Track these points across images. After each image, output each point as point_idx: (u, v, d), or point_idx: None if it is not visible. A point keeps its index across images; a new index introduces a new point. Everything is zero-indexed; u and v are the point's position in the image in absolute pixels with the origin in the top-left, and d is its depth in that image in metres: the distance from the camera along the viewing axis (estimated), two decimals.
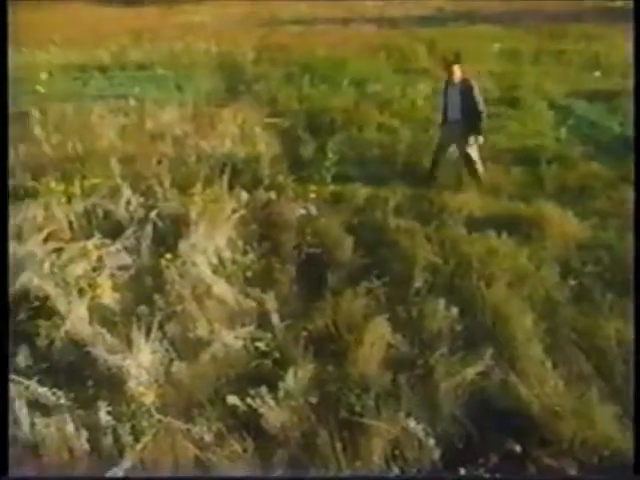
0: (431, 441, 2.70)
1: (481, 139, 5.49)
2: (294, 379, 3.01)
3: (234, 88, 9.16)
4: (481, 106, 5.37)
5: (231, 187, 5.08)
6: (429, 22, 15.58)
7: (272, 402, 2.87)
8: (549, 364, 3.13)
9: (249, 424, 2.84)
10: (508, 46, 11.74)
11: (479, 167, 5.55)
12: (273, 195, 5.16)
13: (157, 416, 2.84)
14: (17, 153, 6.09)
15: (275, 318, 3.56)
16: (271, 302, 3.67)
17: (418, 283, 3.86)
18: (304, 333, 3.38)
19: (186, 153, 6.06)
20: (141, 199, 4.99)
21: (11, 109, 8.30)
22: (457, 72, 5.49)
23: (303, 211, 4.90)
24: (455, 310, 3.57)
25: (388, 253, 4.27)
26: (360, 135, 6.81)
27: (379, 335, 3.36)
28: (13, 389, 2.89)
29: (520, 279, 3.87)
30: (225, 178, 5.11)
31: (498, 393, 2.99)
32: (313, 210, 4.93)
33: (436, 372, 3.05)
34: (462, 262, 4.07)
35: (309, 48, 11.46)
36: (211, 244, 4.31)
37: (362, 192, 5.29)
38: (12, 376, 2.94)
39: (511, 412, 2.86)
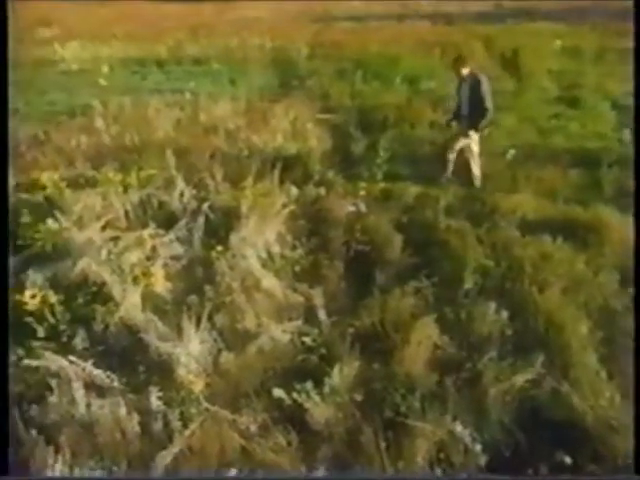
0: (478, 447, 2.65)
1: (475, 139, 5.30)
2: (339, 375, 3.01)
3: (287, 83, 9.24)
4: (487, 102, 5.23)
5: (281, 182, 5.13)
6: (486, 18, 15.22)
7: (317, 397, 2.88)
8: (604, 375, 3.01)
9: (294, 418, 2.86)
10: (569, 44, 11.34)
11: (474, 167, 5.41)
12: (323, 191, 5.17)
13: (205, 404, 2.90)
14: (79, 143, 6.36)
15: (322, 314, 3.58)
16: (318, 298, 3.68)
17: (468, 285, 3.79)
18: (350, 330, 3.37)
19: (238, 147, 6.16)
20: (194, 191, 5.09)
21: (76, 100, 8.69)
22: (461, 68, 5.40)
23: (352, 208, 4.89)
24: (505, 314, 3.49)
25: (438, 253, 4.21)
26: (412, 132, 6.74)
27: (426, 335, 3.32)
28: (71, 370, 3.00)
29: (576, 285, 3.74)
30: (276, 173, 5.15)
31: (549, 402, 2.90)
32: (362, 207, 4.92)
33: (484, 377, 2.99)
34: (514, 265, 3.97)
35: (362, 44, 11.41)
36: (261, 238, 4.36)
37: (412, 190, 5.23)
38: (70, 357, 3.05)
39: (563, 423, 2.77)
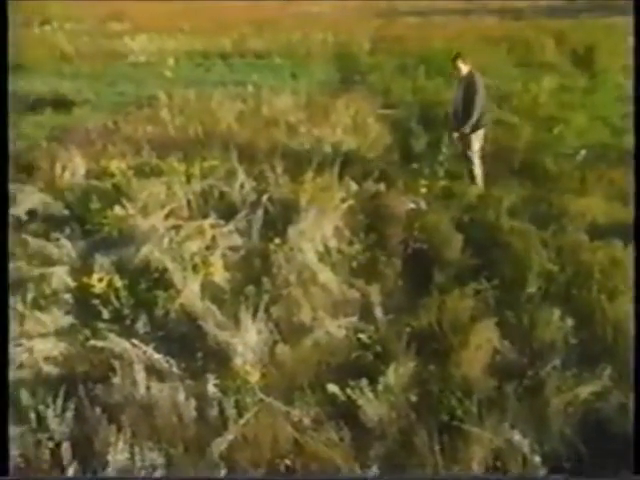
0: (537, 458, 2.55)
1: (475, 138, 5.11)
2: (394, 375, 2.97)
3: (348, 78, 9.20)
4: (475, 103, 5.00)
5: (341, 177, 5.11)
6: (559, 13, 14.63)
7: (371, 395, 2.86)
8: None
9: (347, 414, 2.84)
10: None
11: (476, 169, 5.19)
12: (382, 187, 5.12)
13: (260, 395, 2.92)
14: (145, 133, 6.56)
15: (378, 311, 3.54)
16: (375, 295, 3.65)
17: (531, 289, 3.66)
18: (407, 329, 3.32)
19: (298, 141, 6.19)
20: (254, 183, 5.16)
21: (143, 92, 8.98)
22: (461, 66, 5.23)
23: (412, 205, 4.82)
24: (571, 322, 3.34)
25: (499, 255, 4.08)
26: None
27: (485, 339, 3.22)
28: (133, 353, 3.10)
29: None
30: (335, 167, 5.15)
31: (615, 417, 2.76)
32: (423, 205, 4.84)
33: (546, 386, 2.87)
34: (581, 271, 3.80)
35: (426, 40, 11.22)
36: (318, 232, 4.36)
37: (474, 189, 5.09)
38: (133, 340, 3.16)
39: (629, 439, 2.62)
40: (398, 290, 3.85)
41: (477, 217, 4.68)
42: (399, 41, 11.66)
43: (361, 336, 3.37)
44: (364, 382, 2.91)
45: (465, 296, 3.56)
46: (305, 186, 4.83)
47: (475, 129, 5.21)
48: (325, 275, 3.91)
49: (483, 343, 3.17)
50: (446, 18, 14.82)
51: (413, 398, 2.91)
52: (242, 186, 5.09)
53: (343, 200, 4.72)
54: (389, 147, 6.10)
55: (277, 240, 4.16)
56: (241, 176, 5.16)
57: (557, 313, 3.37)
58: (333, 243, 4.33)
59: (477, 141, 5.27)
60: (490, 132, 6.50)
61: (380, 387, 2.91)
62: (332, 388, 2.95)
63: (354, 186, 5.09)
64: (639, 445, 2.53)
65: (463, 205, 4.89)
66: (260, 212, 4.55)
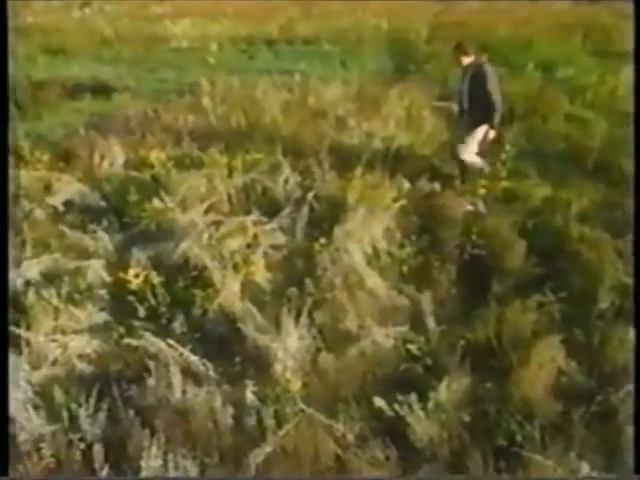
0: None
1: (492, 134, 4.91)
2: (447, 391, 2.94)
3: (403, 67, 9.14)
4: (495, 96, 4.77)
5: (392, 174, 5.09)
6: None
7: (421, 412, 2.83)
8: None
9: (394, 431, 2.83)
10: None
11: (473, 171, 5.04)
12: (437, 186, 5.06)
13: (301, 405, 2.93)
14: (186, 122, 6.69)
15: (430, 321, 3.51)
16: (427, 303, 3.61)
17: (603, 304, 3.54)
18: (461, 342, 3.27)
19: (347, 134, 6.18)
20: (299, 179, 5.20)
21: (185, 78, 9.13)
22: (462, 56, 5.11)
23: (470, 207, 4.74)
24: None
25: (567, 265, 3.97)
26: (544, 126, 6.41)
27: (549, 357, 3.15)
28: (169, 354, 3.17)
29: None
30: (387, 164, 5.13)
31: None
32: (482, 207, 4.75)
33: (619, 413, 2.78)
34: None
35: (489, 26, 11.01)
36: (367, 233, 4.35)
37: (540, 191, 4.97)
38: (169, 340, 3.22)
39: None
40: (452, 299, 3.80)
41: (543, 222, 4.56)
42: (459, 27, 11.47)
43: (410, 347, 3.35)
44: (413, 397, 2.89)
45: (527, 309, 3.48)
46: (354, 183, 4.83)
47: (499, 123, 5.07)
48: (373, 279, 3.90)
49: (546, 362, 3.09)
50: (512, 2, 14.51)
51: (467, 418, 2.87)
52: (286, 181, 5.13)
53: (394, 199, 4.70)
54: (446, 143, 6.02)
55: (322, 240, 4.17)
56: (286, 171, 5.20)
57: (632, 332, 3.25)
58: (382, 245, 4.30)
59: (479, 135, 5.16)
60: (561, 128, 6.35)
61: (431, 404, 2.88)
62: (378, 402, 2.94)
63: (406, 184, 5.06)
64: (639, 445, 2.55)
65: (527, 208, 4.78)
66: (305, 210, 4.58)
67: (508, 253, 4.11)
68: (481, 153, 5.26)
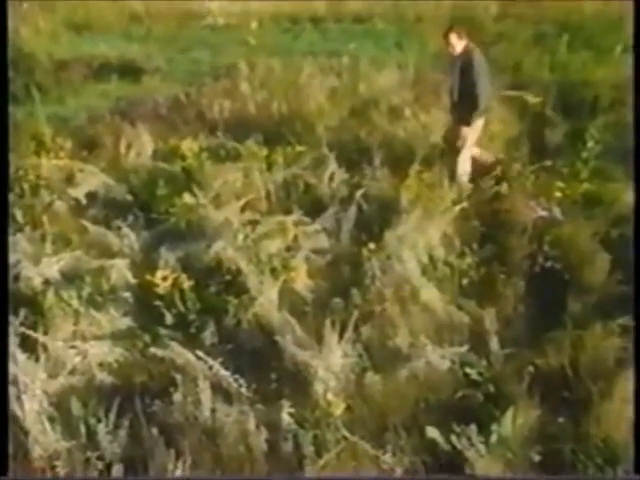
0: None
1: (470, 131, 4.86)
2: (512, 424, 2.91)
3: None
4: (479, 88, 4.63)
5: (453, 172, 5.05)
6: None
7: (482, 447, 2.80)
8: None
9: (450, 467, 2.81)
10: None
11: (462, 162, 4.95)
12: (505, 188, 4.98)
13: (343, 432, 2.94)
14: (222, 109, 6.79)
15: (494, 342, 3.48)
16: (490, 321, 3.58)
17: None
18: (530, 368, 3.24)
19: (402, 126, 6.15)
20: (346, 175, 5.21)
21: (221, 60, 9.26)
22: (454, 42, 4.95)
23: (543, 212, 4.65)
24: None
25: None
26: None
27: (635, 390, 3.06)
28: (197, 367, 3.22)
29: None
30: (447, 160, 5.09)
31: None
32: (557, 213, 4.66)
33: None
34: None
35: (572, 2, 10.77)
36: (422, 239, 4.34)
37: (628, 196, 4.83)
38: (198, 352, 3.27)
39: None
40: (520, 318, 3.76)
41: (630, 233, 4.45)
42: (535, 3, 11.28)
43: (470, 371, 3.33)
44: (472, 429, 2.86)
45: (609, 333, 3.40)
46: (408, 182, 4.82)
47: (477, 118, 5.02)
48: (428, 292, 3.88)
49: (632, 396, 3.01)
50: None
51: (536, 457, 2.83)
52: (332, 178, 5.16)
53: (455, 202, 4.67)
54: (516, 138, 5.92)
55: (371, 245, 4.18)
56: (331, 166, 5.22)
57: None
58: (440, 253, 4.28)
59: (474, 132, 5.07)
60: None
61: (493, 438, 2.85)
62: (432, 433, 2.93)
63: (469, 185, 5.02)
64: (639, 445, 2.63)
65: (612, 216, 4.64)
66: (352, 210, 4.60)
67: (588, 267, 4.04)
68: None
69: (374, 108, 6.63)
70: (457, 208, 4.59)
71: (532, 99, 6.58)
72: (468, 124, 5.04)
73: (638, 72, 4.05)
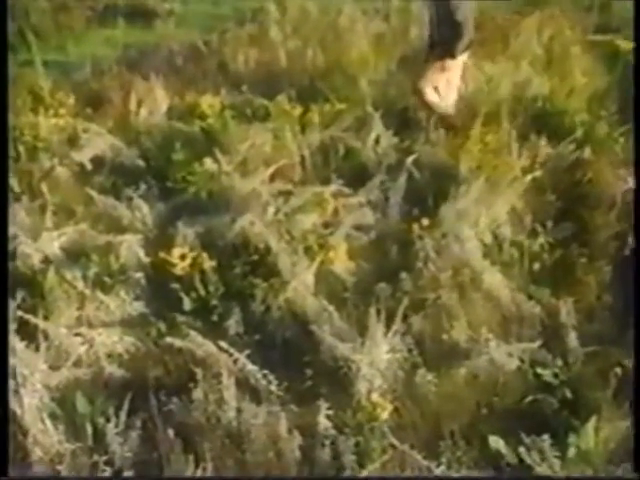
0: None
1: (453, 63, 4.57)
2: (595, 436, 2.88)
3: None
4: (459, 14, 4.41)
5: (524, 134, 4.99)
6: None
7: (556, 462, 2.79)
8: None
9: None
10: None
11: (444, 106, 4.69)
12: (588, 153, 4.90)
13: (390, 439, 2.96)
14: (247, 59, 6.78)
15: (572, 338, 3.44)
16: (567, 313, 3.55)
17: None
18: (616, 370, 3.18)
19: (463, 79, 6.06)
20: (395, 139, 5.16)
21: (246, 1, 9.23)
22: None
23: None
24: None
25: None
26: None
27: None
28: (221, 360, 3.26)
29: None
30: (516, 120, 5.03)
31: None
32: None
33: None
34: None
35: None
36: (485, 215, 4.29)
37: None
38: (221, 343, 3.31)
39: None
40: (604, 309, 3.72)
41: None
42: None
43: (542, 372, 3.31)
44: (545, 441, 2.85)
45: None
46: (469, 146, 4.78)
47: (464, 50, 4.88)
48: (492, 277, 3.85)
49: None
50: None
51: (628, 475, 2.80)
52: (378, 141, 5.11)
53: (525, 170, 4.60)
54: (603, 93, 5.79)
55: (425, 221, 4.15)
56: (377, 127, 5.16)
57: None
58: (507, 232, 4.23)
59: (457, 70, 4.93)
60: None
61: (570, 452, 2.83)
62: (495, 443, 2.93)
63: (544, 149, 4.92)
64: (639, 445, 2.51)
65: None
66: (402, 180, 4.56)
67: None
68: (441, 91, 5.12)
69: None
70: (528, 178, 4.51)
71: (624, 45, 6.41)
72: (453, 56, 4.97)
73: (638, 74, 4.09)
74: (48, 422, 3.10)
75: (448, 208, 4.29)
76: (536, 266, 4.01)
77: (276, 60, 6.79)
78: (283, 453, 2.97)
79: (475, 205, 4.32)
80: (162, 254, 3.94)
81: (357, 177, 4.76)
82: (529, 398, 3.20)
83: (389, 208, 4.48)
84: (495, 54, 6.47)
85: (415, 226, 4.14)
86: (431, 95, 5.05)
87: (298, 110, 5.37)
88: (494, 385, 3.28)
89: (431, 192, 4.54)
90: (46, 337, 3.45)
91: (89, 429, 3.10)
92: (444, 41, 5.02)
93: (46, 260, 4.03)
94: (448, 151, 4.91)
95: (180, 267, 3.83)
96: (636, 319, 3.36)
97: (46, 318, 3.57)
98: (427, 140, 5.11)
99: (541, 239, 4.15)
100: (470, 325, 3.57)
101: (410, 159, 4.71)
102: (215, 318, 3.71)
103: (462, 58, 5.05)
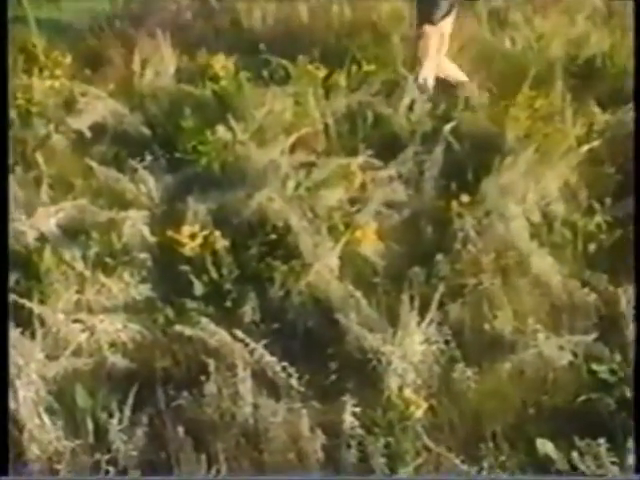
0: None
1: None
2: None
3: None
4: None
5: (579, 98, 4.98)
6: None
7: (614, 469, 2.78)
8: None
9: None
10: None
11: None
12: None
13: (425, 440, 2.97)
14: (265, 13, 6.73)
15: (631, 331, 3.42)
16: (627, 302, 3.53)
17: None
18: None
19: (509, 36, 6.02)
20: (430, 103, 5.16)
21: None
22: None
23: None
24: None
25: None
26: None
27: None
28: (235, 350, 3.28)
29: None
30: (570, 82, 5.06)
31: None
32: None
33: None
34: None
35: None
36: (534, 190, 4.30)
37: None
38: (235, 332, 3.32)
39: None
40: None
41: None
42: None
43: (597, 368, 3.30)
44: (601, 445, 2.83)
45: None
46: (515, 112, 4.76)
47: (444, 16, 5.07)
48: (541, 261, 3.85)
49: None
50: None
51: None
52: (411, 108, 5.11)
53: (580, 139, 4.60)
54: None
55: (464, 197, 4.17)
56: (411, 90, 5.16)
57: None
58: (558, 210, 4.25)
59: (438, 36, 4.95)
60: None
61: (629, 459, 2.82)
62: (544, 447, 2.93)
63: (601, 116, 4.92)
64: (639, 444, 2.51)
65: None
66: (439, 150, 4.56)
67: None
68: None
69: (469, 11, 6.49)
70: (584, 148, 4.52)
71: None
72: (431, 22, 4.99)
73: (638, 74, 4.13)
74: (45, 417, 3.13)
75: (491, 182, 4.29)
76: (591, 248, 4.00)
77: (297, 16, 6.75)
78: (304, 454, 2.98)
79: (522, 179, 4.32)
80: (170, 232, 3.97)
81: (388, 147, 4.76)
82: (582, 397, 3.18)
83: (424, 182, 4.48)
84: (546, 8, 6.42)
85: (453, 203, 4.15)
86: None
87: (322, 72, 5.34)
88: (543, 382, 3.28)
89: (472, 165, 4.53)
90: (42, 323, 3.49)
91: (90, 425, 3.14)
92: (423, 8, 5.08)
93: (42, 238, 4.06)
94: (491, 118, 4.91)
95: (190, 247, 3.85)
96: (636, 319, 3.38)
97: (42, 302, 3.60)
98: (467, 106, 5.11)
99: (598, 218, 4.13)
100: (515, 314, 3.57)
101: (448, 127, 4.71)
102: (229, 304, 3.72)
103: (445, 24, 5.09)
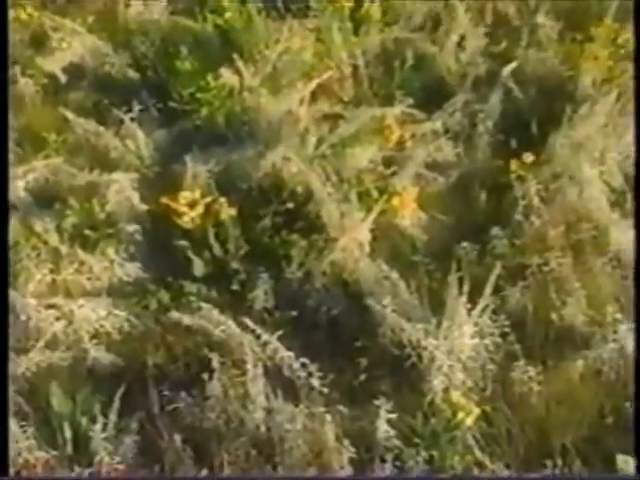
0: None
1: None
2: None
3: None
4: None
5: None
6: None
7: None
8: None
9: None
10: None
11: None
12: None
13: (476, 453, 2.99)
14: None
15: None
16: None
17: None
18: None
19: None
20: (484, 40, 5.12)
21: None
22: None
23: None
24: None
25: None
26: None
27: None
28: (244, 343, 3.28)
29: None
30: None
31: None
32: None
33: None
34: None
35: None
36: (615, 148, 4.28)
37: None
38: (244, 320, 3.33)
39: None
40: None
41: None
42: None
43: None
44: None
45: None
46: (592, 51, 4.72)
47: None
48: (623, 236, 3.84)
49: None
50: None
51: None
52: (460, 45, 5.09)
53: None
54: None
55: (527, 157, 4.17)
56: (462, 24, 5.12)
57: None
58: None
59: None
60: None
61: None
62: (625, 462, 2.93)
63: None
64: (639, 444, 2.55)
65: None
66: (495, 98, 4.56)
67: None
68: None
69: None
70: None
71: None
72: None
73: (638, 74, 4.25)
74: (13, 423, 3.13)
75: (561, 138, 4.27)
76: None
77: None
78: (328, 468, 3.01)
79: (600, 134, 4.30)
80: (164, 200, 3.98)
81: (432, 95, 4.76)
82: None
83: (476, 138, 4.48)
84: None
85: (513, 163, 4.15)
86: None
87: (350, 2, 5.32)
88: (624, 384, 3.26)
89: (536, 116, 4.52)
90: (9, 309, 3.50)
91: (68, 433, 3.16)
92: None
93: (8, 206, 4.04)
94: (562, 57, 4.88)
95: (189, 217, 3.87)
96: (636, 317, 3.39)
97: (8, 285, 3.58)
98: (530, 42, 5.04)
99: None
100: (590, 302, 3.56)
101: (507, 69, 4.67)
102: (236, 287, 3.76)
103: None
